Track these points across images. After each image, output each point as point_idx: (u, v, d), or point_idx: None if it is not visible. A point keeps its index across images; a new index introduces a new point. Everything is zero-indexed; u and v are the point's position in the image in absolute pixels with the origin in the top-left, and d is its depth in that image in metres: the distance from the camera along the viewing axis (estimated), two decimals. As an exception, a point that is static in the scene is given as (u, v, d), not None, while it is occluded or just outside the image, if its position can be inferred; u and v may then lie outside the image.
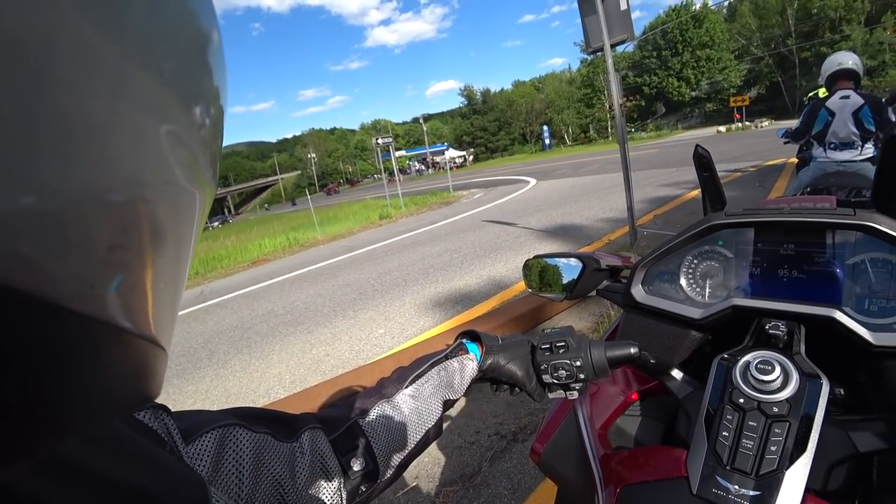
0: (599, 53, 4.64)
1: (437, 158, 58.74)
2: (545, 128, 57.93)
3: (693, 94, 44.12)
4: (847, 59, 3.57)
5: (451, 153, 61.49)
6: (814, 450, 0.56)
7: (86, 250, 0.15)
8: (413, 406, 0.65)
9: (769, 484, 0.55)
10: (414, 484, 2.12)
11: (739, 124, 30.74)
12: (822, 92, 3.92)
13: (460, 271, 5.53)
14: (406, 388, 0.66)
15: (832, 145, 3.62)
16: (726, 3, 45.75)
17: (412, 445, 0.64)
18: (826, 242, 0.74)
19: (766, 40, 38.59)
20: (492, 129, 66.19)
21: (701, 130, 35.63)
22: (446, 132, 75.22)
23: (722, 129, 30.75)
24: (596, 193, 9.92)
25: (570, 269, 1.00)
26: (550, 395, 0.73)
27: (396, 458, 0.61)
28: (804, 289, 0.74)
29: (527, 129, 64.32)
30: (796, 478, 0.55)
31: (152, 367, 0.21)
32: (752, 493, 0.55)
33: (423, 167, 62.37)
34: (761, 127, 27.16)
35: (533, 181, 16.22)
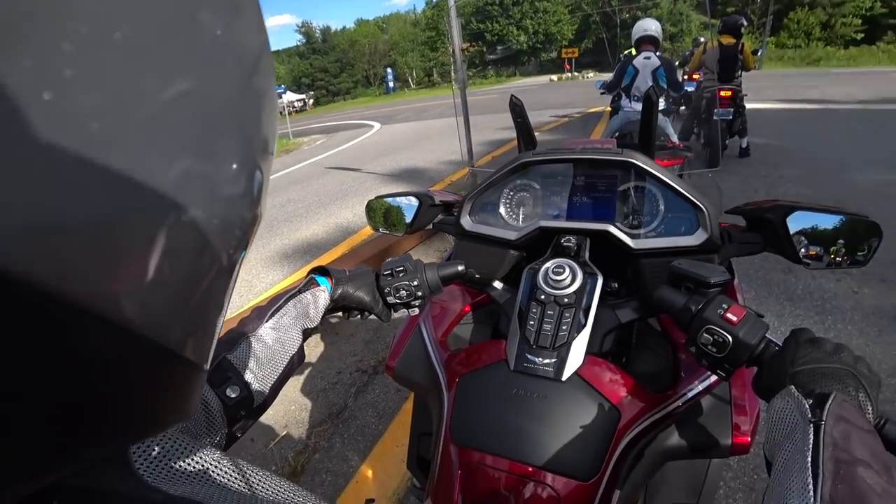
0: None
1: (276, 100, 54.41)
2: (389, 70, 56.73)
3: (529, 43, 46.51)
4: (651, 26, 4.24)
5: (290, 96, 57.51)
6: (591, 325, 0.77)
7: (137, 268, 0.15)
8: (275, 336, 0.70)
9: (561, 352, 0.75)
10: (284, 433, 2.13)
11: (569, 74, 33.40)
12: (633, 51, 4.49)
13: (306, 221, 5.35)
14: (267, 321, 0.71)
15: (635, 97, 4.28)
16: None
17: (279, 371, 0.69)
18: (604, 175, 0.93)
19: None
20: (333, 70, 62.95)
21: (536, 78, 38.01)
22: (283, 73, 69.87)
23: (554, 77, 33.16)
24: (439, 137, 10.14)
25: (409, 208, 1.10)
26: (395, 315, 0.85)
27: (267, 383, 0.66)
28: (590, 210, 0.95)
29: (370, 72, 62.44)
30: (580, 345, 0.76)
31: (191, 386, 0.21)
32: (551, 360, 0.75)
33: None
34: (587, 78, 29.81)
35: (377, 125, 15.97)
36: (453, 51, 4.65)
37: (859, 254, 0.80)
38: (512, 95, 1.06)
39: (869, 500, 0.40)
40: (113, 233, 0.14)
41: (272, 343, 0.69)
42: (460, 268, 0.84)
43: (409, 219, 1.09)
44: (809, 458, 0.45)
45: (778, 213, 0.84)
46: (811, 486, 0.43)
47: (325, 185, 7.16)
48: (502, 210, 1.01)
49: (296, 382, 2.43)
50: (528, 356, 0.76)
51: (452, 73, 4.54)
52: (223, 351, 0.64)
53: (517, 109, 1.06)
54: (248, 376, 0.64)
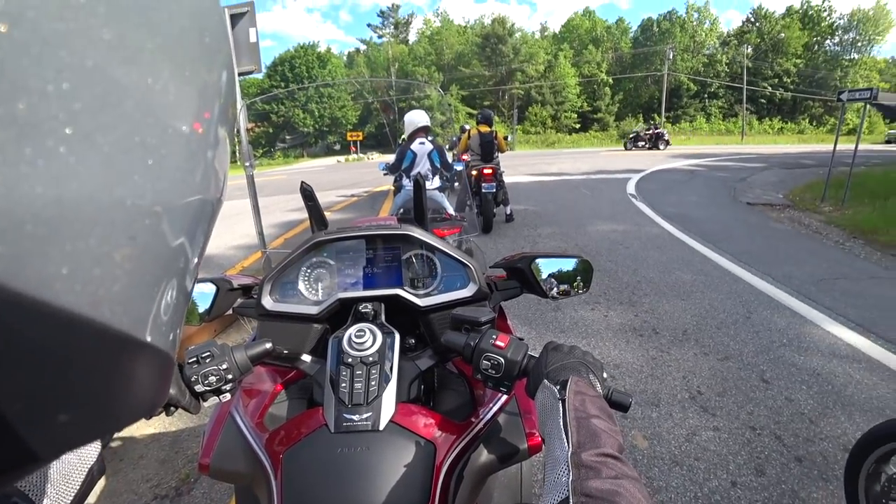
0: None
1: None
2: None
3: (316, 126, 48.13)
4: (422, 119, 4.95)
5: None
6: (396, 377, 0.86)
7: (99, 257, 0.16)
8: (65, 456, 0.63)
9: (375, 406, 0.81)
10: None
11: (355, 155, 35.18)
12: (405, 137, 5.13)
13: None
14: None
15: (415, 177, 4.87)
16: (346, 52, 52.19)
17: (76, 489, 0.63)
18: (389, 247, 1.07)
19: (375, 88, 45.55)
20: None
21: (324, 159, 38.82)
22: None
23: (342, 159, 34.50)
24: (225, 220, 9.46)
25: (203, 296, 1.08)
26: (206, 404, 0.81)
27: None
28: (381, 279, 1.06)
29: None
30: (390, 396, 0.83)
31: (160, 375, 0.21)
32: (368, 414, 0.80)
33: None
34: (372, 158, 31.73)
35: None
36: (239, 132, 4.67)
37: (585, 284, 1.07)
38: (302, 182, 1.16)
39: (599, 435, 0.56)
40: (67, 226, 0.14)
41: (65, 456, 0.61)
42: (268, 345, 0.85)
43: (205, 307, 1.07)
44: (561, 422, 0.60)
45: (525, 262, 1.06)
46: (565, 438, 0.57)
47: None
48: (301, 287, 1.05)
49: None
50: (346, 415, 0.80)
51: (238, 157, 4.49)
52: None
53: (307, 194, 1.17)
54: (41, 500, 0.56)
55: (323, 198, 1.20)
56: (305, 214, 1.22)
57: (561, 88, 43.55)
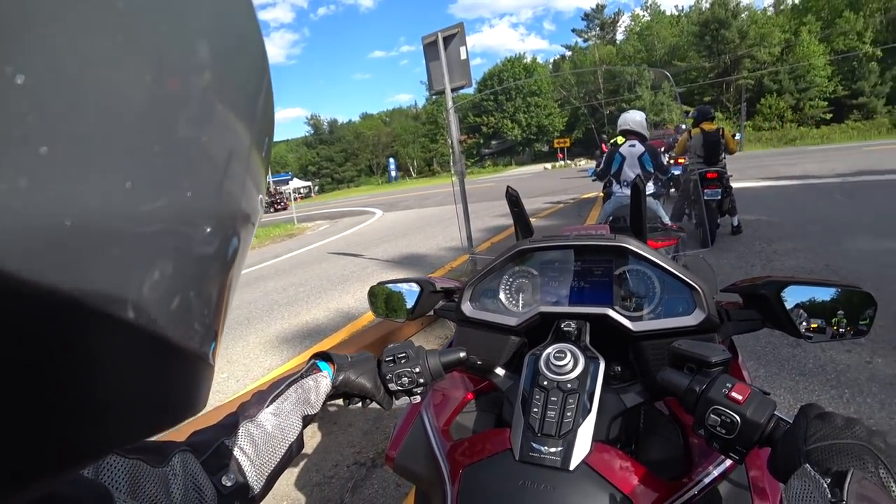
0: (442, 95, 4.99)
1: (282, 188, 56.46)
2: (391, 160, 59.31)
3: (523, 134, 49.22)
4: (635, 118, 4.63)
5: (296, 183, 59.56)
6: (596, 411, 0.75)
7: (140, 275, 0.16)
8: (275, 423, 0.69)
9: (568, 440, 0.72)
10: None
11: (562, 162, 35.03)
12: (620, 139, 4.76)
13: (307, 305, 5.36)
14: (267, 406, 0.70)
15: (625, 183, 4.52)
16: (552, 60, 52.40)
17: (278, 459, 0.67)
18: (600, 259, 0.96)
19: (583, 93, 44.86)
20: (338, 159, 65.79)
21: (531, 167, 39.62)
22: (291, 161, 72.85)
23: (548, 166, 34.70)
24: (439, 224, 10.41)
25: (410, 294, 1.11)
26: (397, 402, 0.84)
27: (265, 472, 0.65)
28: (588, 295, 0.96)
29: (373, 161, 65.23)
30: (586, 432, 0.73)
31: (200, 382, 0.22)
32: (557, 448, 0.72)
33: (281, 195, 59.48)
34: (579, 165, 31.14)
35: (379, 212, 16.46)
36: (452, 144, 4.92)
37: (861, 323, 0.80)
38: (508, 186, 1.10)
39: None
40: (105, 233, 0.15)
41: (272, 429, 0.68)
42: (462, 354, 0.85)
43: (410, 305, 1.10)
44: None
45: (772, 288, 0.84)
46: None
47: (327, 270, 7.25)
48: (502, 296, 1.01)
49: (289, 475, 2.29)
50: (534, 444, 0.73)
51: (451, 165, 4.80)
52: (221, 436, 0.63)
53: (513, 199, 1.10)
54: (245, 464, 0.62)
55: (529, 204, 1.12)
56: (511, 221, 1.16)
57: (804, 72, 34.35)
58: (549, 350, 0.82)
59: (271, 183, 56.86)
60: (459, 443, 0.84)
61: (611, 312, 0.89)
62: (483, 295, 1.03)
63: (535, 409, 0.76)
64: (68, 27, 0.14)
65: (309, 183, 62.74)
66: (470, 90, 5.36)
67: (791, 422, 0.61)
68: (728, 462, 0.76)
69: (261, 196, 0.28)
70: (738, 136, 12.26)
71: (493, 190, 15.20)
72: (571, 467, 0.70)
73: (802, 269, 4.51)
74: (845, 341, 2.69)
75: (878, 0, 33.97)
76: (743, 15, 38.02)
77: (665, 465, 0.82)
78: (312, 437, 2.63)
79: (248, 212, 0.25)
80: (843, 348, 2.90)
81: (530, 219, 1.14)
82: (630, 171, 4.48)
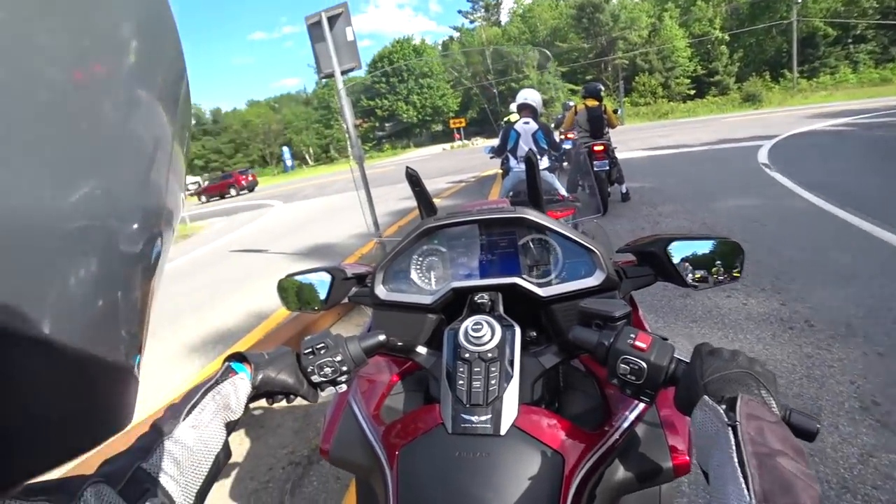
0: (332, 79, 4.86)
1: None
2: (285, 149, 56.50)
3: (419, 116, 49.23)
4: (528, 96, 4.87)
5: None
6: (518, 375, 0.79)
7: (59, 279, 0.15)
8: (196, 436, 0.64)
9: (495, 406, 0.75)
10: None
11: (460, 142, 35.47)
12: (513, 117, 5.00)
13: (214, 308, 5.11)
14: (184, 420, 0.65)
15: (521, 158, 4.76)
16: (440, 42, 52.69)
17: (205, 474, 0.63)
18: (504, 232, 0.99)
19: (473, 74, 45.63)
20: (227, 151, 61.55)
21: (430, 148, 39.71)
22: (173, 157, 66.98)
23: (447, 146, 34.98)
24: (342, 212, 10.23)
25: (321, 283, 1.10)
26: (322, 394, 0.83)
27: (192, 490, 0.60)
28: (497, 266, 0.99)
29: (266, 151, 61.89)
30: (511, 396, 0.76)
31: (126, 396, 0.21)
32: (487, 416, 0.75)
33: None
34: (476, 144, 31.77)
35: (278, 204, 15.86)
36: (347, 128, 4.85)
37: (734, 270, 0.90)
38: (407, 167, 1.11)
39: (793, 485, 0.44)
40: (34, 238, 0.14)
41: (193, 444, 0.63)
42: (381, 337, 0.85)
43: (323, 295, 1.09)
44: (735, 459, 0.49)
45: (660, 245, 0.93)
46: (743, 484, 0.46)
47: (230, 270, 6.92)
48: (414, 276, 1.02)
49: (221, 487, 2.22)
50: (464, 416, 0.75)
51: (349, 150, 4.74)
52: (137, 460, 0.57)
53: (413, 179, 1.11)
54: (170, 485, 0.57)
55: (431, 185, 1.16)
56: (415, 203, 1.16)
57: (669, 53, 39.12)
58: (466, 323, 0.84)
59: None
60: (392, 425, 0.85)
61: (519, 281, 0.93)
62: (395, 277, 1.04)
63: (461, 382, 0.78)
64: None
65: (198, 178, 58.22)
66: (360, 72, 5.27)
67: (689, 361, 0.68)
68: (641, 406, 0.83)
69: (182, 194, 0.26)
70: (618, 111, 13.41)
71: (394, 174, 15.09)
72: (503, 432, 0.73)
73: (684, 228, 5.26)
74: (724, 287, 3.14)
75: (723, -9, 39.22)
76: (614, 1, 41.64)
77: (587, 418, 0.88)
78: (240, 444, 2.54)
79: (172, 208, 0.24)
80: (723, 294, 3.39)
81: (434, 199, 1.16)
82: (525, 147, 4.71)
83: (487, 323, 0.83)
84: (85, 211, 0.16)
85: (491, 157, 5.31)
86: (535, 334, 0.99)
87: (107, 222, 0.17)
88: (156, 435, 0.62)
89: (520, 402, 0.77)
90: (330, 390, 0.83)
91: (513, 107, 5.22)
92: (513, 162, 4.88)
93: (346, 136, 4.85)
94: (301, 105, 64.41)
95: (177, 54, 0.23)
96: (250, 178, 27.37)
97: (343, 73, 4.83)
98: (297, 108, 63.22)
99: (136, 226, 0.19)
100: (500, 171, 5.91)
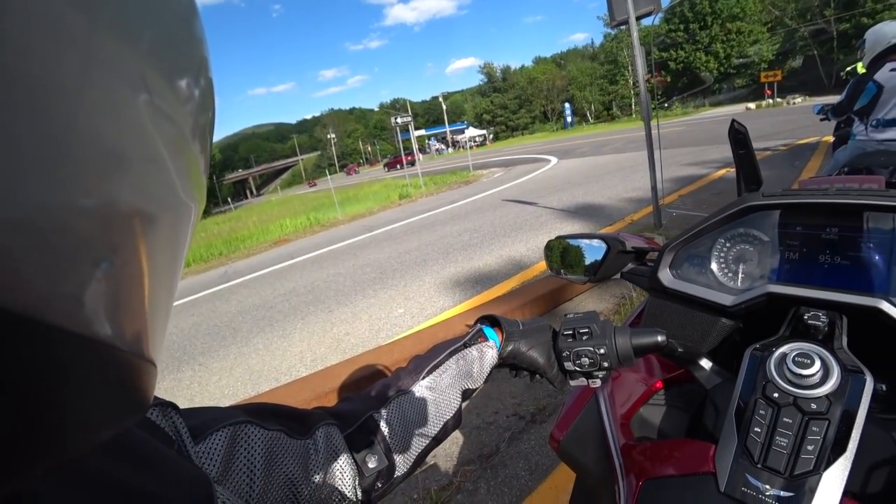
0: (624, 27, 4.50)
1: (458, 137, 58.26)
2: (567, 105, 56.78)
3: (721, 69, 42.62)
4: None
5: (471, 132, 61.01)
6: (854, 450, 0.51)
7: (72, 265, 0.15)
8: (431, 398, 0.62)
9: (804, 485, 0.51)
10: (432, 462, 2.14)
11: (770, 101, 29.69)
12: (860, 67, 3.69)
13: (480, 251, 5.52)
14: (423, 378, 0.63)
15: (875, 123, 3.30)
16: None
17: (429, 438, 0.61)
18: (872, 227, 0.67)
19: (802, 11, 36.85)
20: (512, 106, 65.32)
21: (729, 107, 34.46)
22: (466, 110, 74.53)
23: (752, 105, 29.69)
24: (618, 172, 9.73)
25: (593, 251, 0.95)
26: (572, 383, 0.70)
27: (413, 452, 0.59)
28: (847, 276, 0.68)
29: (548, 107, 63.33)
30: (834, 480, 0.50)
31: (142, 383, 0.20)
32: (784, 493, 0.51)
33: (442, 146, 61.97)
34: (794, 103, 26.09)
35: (554, 160, 16.03)
36: (635, 82, 4.45)
37: None
38: (734, 120, 0.84)
39: None
40: (44, 226, 0.13)
41: (426, 405, 0.61)
42: (660, 338, 0.65)
43: (591, 261, 0.95)
44: None
45: None
46: None
47: (500, 218, 7.33)
48: (714, 266, 0.81)
49: None
50: (749, 478, 0.54)
51: (635, 107, 4.32)
52: (371, 408, 0.58)
53: (740, 138, 0.84)
54: (394, 442, 0.57)
55: (720, 152, 0.85)
56: (703, 171, 0.93)
57: None
58: (784, 349, 0.60)
59: (448, 132, 58.89)
60: (641, 443, 0.70)
61: (885, 306, 0.62)
62: (688, 261, 0.83)
63: (757, 429, 0.56)
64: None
65: (484, 131, 63.68)
66: (657, 20, 4.73)
67: None
68: None
69: (204, 188, 0.24)
70: None
71: (683, 135, 13.67)
72: None
73: None
74: None
75: None
76: None
77: None
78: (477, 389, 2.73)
79: (190, 202, 0.22)
80: None
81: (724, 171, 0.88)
82: (889, 107, 3.18)
83: (821, 358, 0.57)
84: (98, 204, 0.16)
85: (821, 119, 4.01)
86: (884, 388, 0.66)
87: (121, 214, 0.17)
88: (394, 386, 0.61)
89: (844, 492, 0.50)
90: (580, 381, 0.69)
91: (860, 54, 3.53)
92: (857, 126, 3.43)
93: (634, 90, 4.46)
94: (587, 60, 63.21)
95: (196, 43, 0.22)
96: (409, 158, 37.64)
97: (638, 18, 4.41)
98: (582, 64, 62.37)
99: (151, 219, 0.19)
100: (831, 137, 4.58)
